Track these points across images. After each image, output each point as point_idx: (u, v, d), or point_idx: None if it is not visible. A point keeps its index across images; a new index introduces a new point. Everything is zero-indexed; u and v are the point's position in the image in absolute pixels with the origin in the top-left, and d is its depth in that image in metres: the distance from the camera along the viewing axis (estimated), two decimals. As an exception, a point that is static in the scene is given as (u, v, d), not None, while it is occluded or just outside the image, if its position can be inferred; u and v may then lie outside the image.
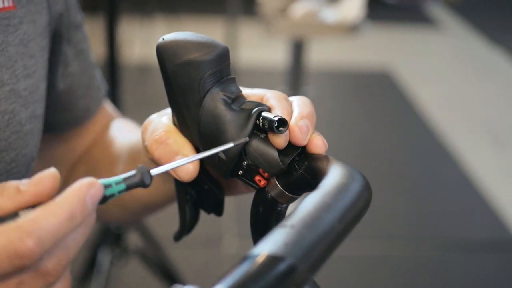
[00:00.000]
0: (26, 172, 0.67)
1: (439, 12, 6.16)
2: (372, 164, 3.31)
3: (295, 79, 2.33)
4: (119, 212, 0.77)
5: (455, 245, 2.69)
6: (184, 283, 1.92)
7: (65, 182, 0.81)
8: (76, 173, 0.81)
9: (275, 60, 4.20)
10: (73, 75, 0.77)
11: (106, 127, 0.84)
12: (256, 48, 4.49)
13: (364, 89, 4.36)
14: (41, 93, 0.67)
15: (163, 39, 0.55)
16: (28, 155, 0.65)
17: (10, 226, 0.40)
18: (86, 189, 0.42)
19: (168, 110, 0.59)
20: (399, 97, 4.18)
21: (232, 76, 0.55)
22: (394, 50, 5.08)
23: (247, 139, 0.52)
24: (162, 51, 0.54)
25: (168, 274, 2.03)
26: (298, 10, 2.16)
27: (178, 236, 0.63)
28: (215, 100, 0.53)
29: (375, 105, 4.08)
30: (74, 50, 0.76)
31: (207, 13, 5.28)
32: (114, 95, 2.11)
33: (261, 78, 4.17)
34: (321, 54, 4.39)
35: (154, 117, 0.59)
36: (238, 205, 2.46)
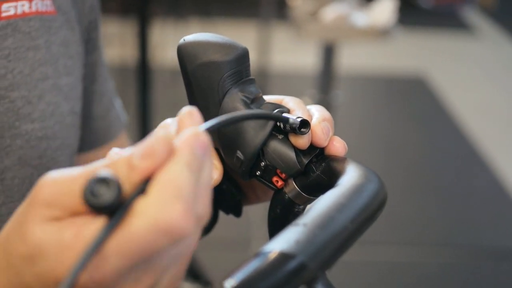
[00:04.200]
0: (69, 162, 0.71)
1: (474, 17, 6.09)
2: (404, 170, 3.28)
3: (325, 83, 2.32)
4: None
5: (486, 253, 2.66)
6: (212, 285, 1.93)
7: None
8: None
9: (305, 64, 4.19)
10: (95, 93, 0.80)
11: None
12: (287, 52, 4.49)
13: (396, 95, 4.33)
14: (79, 93, 0.72)
15: (184, 40, 0.56)
16: (71, 146, 0.70)
17: (147, 201, 0.36)
18: (193, 140, 0.38)
19: None
20: (433, 103, 4.14)
21: (251, 77, 0.56)
22: (428, 55, 5.04)
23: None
24: (183, 52, 0.55)
25: (196, 275, 2.04)
26: (329, 14, 2.16)
27: (197, 236, 0.63)
28: (234, 101, 0.53)
29: (408, 111, 4.05)
30: (98, 70, 0.80)
31: (241, 16, 5.30)
32: (145, 98, 2.14)
33: (292, 82, 4.17)
34: (352, 59, 4.37)
35: (170, 121, 0.59)
36: (268, 208, 2.46)
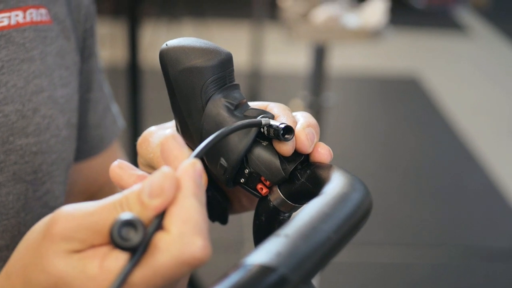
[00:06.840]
0: (65, 176, 0.69)
1: (467, 17, 6.10)
2: (398, 171, 3.28)
3: (316, 84, 2.31)
4: None
5: (480, 253, 2.66)
6: (204, 288, 1.92)
7: None
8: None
9: (297, 65, 4.18)
10: (91, 101, 0.79)
11: None
12: (279, 52, 4.49)
13: (389, 96, 4.33)
14: (75, 104, 0.71)
15: (166, 45, 0.55)
16: (67, 159, 0.69)
17: (169, 238, 0.40)
18: (192, 170, 0.42)
19: (168, 124, 0.59)
20: (426, 103, 4.14)
21: (235, 82, 0.55)
22: (421, 55, 5.04)
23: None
24: (165, 57, 0.54)
25: (189, 278, 2.03)
26: (320, 15, 2.15)
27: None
28: (218, 107, 0.52)
29: (401, 112, 4.05)
30: (94, 78, 0.79)
31: (234, 17, 5.30)
32: (135, 100, 2.12)
33: (284, 83, 4.16)
34: (344, 60, 4.36)
35: (154, 129, 0.59)
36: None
